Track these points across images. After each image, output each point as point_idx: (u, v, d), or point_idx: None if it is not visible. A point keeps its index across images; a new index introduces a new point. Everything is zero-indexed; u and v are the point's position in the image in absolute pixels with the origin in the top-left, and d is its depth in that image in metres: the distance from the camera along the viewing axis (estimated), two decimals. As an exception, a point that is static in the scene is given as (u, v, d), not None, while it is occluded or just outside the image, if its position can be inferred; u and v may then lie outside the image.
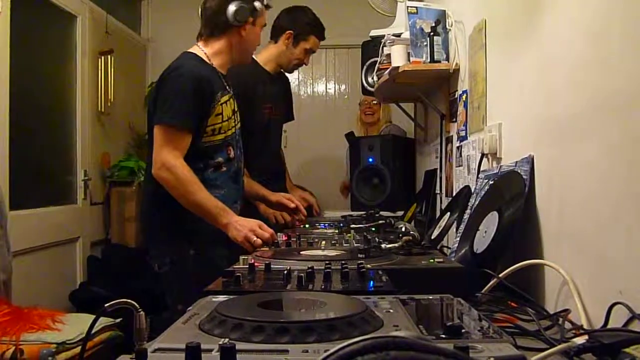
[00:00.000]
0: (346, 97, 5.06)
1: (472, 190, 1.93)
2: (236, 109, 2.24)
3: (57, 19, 3.68)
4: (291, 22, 2.82)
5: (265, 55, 2.84)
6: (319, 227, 2.46)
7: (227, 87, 2.18)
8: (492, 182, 1.72)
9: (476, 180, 1.91)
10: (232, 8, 2.11)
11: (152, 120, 2.08)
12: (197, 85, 2.03)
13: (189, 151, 2.04)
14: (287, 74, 3.01)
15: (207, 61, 2.15)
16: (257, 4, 2.15)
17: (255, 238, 1.89)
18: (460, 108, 2.28)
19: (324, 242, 1.80)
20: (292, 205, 2.45)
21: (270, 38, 2.87)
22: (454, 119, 2.41)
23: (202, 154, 2.09)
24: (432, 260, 1.41)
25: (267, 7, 2.24)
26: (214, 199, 2.02)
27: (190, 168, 2.03)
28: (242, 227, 1.94)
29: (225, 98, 2.15)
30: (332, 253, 1.56)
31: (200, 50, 2.17)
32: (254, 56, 2.84)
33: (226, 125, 2.13)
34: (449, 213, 2.12)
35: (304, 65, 2.92)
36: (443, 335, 0.77)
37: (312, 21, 2.85)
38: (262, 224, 1.97)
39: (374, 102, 3.85)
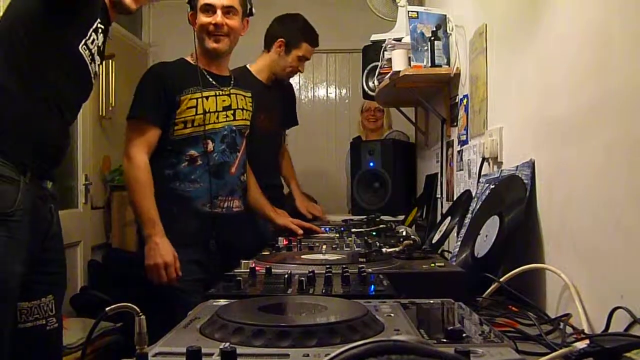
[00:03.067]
0: (347, 101, 5.06)
1: (473, 195, 1.93)
2: (235, 107, 2.27)
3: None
4: (282, 30, 2.82)
5: (259, 64, 2.85)
6: (321, 229, 2.47)
7: (215, 84, 2.23)
8: (493, 187, 1.72)
9: (477, 185, 1.91)
10: None
11: None
12: (156, 80, 2.15)
13: (162, 144, 2.12)
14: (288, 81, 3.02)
15: (191, 61, 2.24)
16: None
17: (163, 273, 2.00)
18: (461, 112, 2.28)
19: (324, 246, 1.80)
20: (300, 232, 2.44)
21: (264, 47, 2.88)
22: (455, 123, 2.41)
23: (175, 147, 2.14)
24: (433, 265, 1.41)
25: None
26: (152, 209, 2.05)
27: (163, 162, 2.13)
28: (159, 254, 2.01)
29: (209, 93, 2.19)
30: (333, 257, 1.56)
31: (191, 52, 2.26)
32: (247, 66, 2.84)
33: (204, 119, 2.16)
34: (449, 217, 2.12)
35: (298, 73, 2.91)
36: (444, 340, 0.77)
37: (303, 28, 2.84)
38: (176, 260, 2.04)
39: (377, 108, 3.85)
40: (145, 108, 2.12)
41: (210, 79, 2.22)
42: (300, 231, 2.44)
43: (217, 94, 2.22)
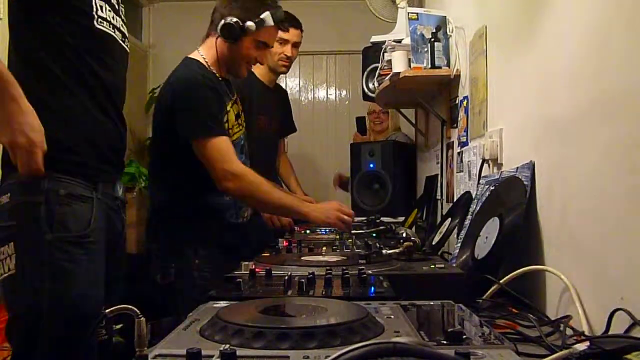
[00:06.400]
0: (347, 102, 5.06)
1: (473, 196, 1.93)
2: (240, 113, 2.24)
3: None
4: None
5: (260, 66, 2.85)
6: (320, 232, 2.46)
7: (229, 93, 2.17)
8: (493, 188, 1.72)
9: (477, 186, 1.91)
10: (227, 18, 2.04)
11: (160, 128, 2.10)
12: (216, 93, 2.04)
13: (194, 157, 2.01)
14: (284, 87, 3.01)
15: (207, 67, 2.11)
16: (247, 23, 2.02)
17: (346, 217, 2.04)
18: (461, 114, 2.28)
19: (324, 248, 1.80)
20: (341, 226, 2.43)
21: None
22: (455, 125, 2.41)
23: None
24: (433, 266, 1.41)
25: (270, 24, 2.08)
26: (287, 193, 2.14)
27: (195, 175, 2.03)
28: (328, 210, 2.06)
29: (229, 103, 2.15)
30: (332, 259, 1.56)
31: (200, 55, 2.13)
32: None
33: (230, 131, 2.13)
34: (449, 219, 2.12)
35: (290, 59, 2.83)
36: (444, 342, 0.77)
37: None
38: (341, 204, 2.12)
39: (382, 111, 3.86)
40: (221, 123, 2.04)
41: (227, 88, 2.16)
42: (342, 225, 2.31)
43: (232, 103, 2.17)
